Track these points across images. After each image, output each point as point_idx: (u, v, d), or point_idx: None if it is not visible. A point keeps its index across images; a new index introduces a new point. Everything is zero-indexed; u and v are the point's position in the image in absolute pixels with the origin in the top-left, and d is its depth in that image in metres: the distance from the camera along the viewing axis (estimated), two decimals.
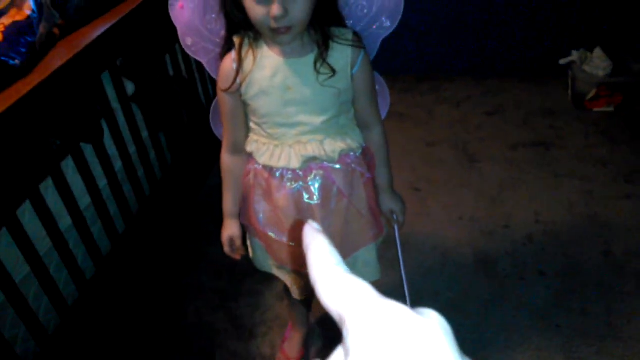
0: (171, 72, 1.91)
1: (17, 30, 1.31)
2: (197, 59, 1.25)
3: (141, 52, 1.64)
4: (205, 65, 1.26)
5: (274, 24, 1.00)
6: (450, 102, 3.14)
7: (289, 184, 1.22)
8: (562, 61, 2.99)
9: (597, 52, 2.88)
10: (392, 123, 2.88)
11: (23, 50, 1.30)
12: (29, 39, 1.32)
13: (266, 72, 1.11)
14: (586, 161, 2.58)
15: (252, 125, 1.23)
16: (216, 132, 1.36)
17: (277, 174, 1.21)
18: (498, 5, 3.07)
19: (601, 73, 2.83)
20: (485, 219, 2.29)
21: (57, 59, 1.32)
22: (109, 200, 1.60)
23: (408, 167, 2.58)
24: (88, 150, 1.49)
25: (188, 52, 1.24)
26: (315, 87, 1.12)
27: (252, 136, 1.23)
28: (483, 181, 2.51)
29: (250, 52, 1.12)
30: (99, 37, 1.40)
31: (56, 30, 1.37)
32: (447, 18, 3.18)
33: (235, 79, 1.13)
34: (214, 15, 1.14)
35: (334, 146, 1.19)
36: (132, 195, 1.71)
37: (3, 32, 1.29)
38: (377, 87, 1.33)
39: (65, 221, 1.46)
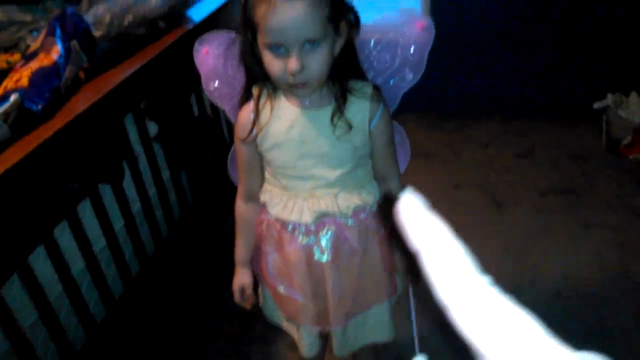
0: (196, 112, 1.91)
1: (43, 75, 1.31)
2: (219, 105, 1.25)
3: (166, 94, 1.64)
4: (227, 112, 1.25)
5: (291, 79, 0.97)
6: (478, 142, 3.07)
7: (300, 237, 1.18)
8: (597, 105, 2.90)
9: (633, 96, 2.80)
10: (417, 162, 2.82)
11: (47, 95, 1.30)
12: (54, 83, 1.32)
13: (283, 124, 1.09)
14: (619, 210, 2.47)
15: (266, 174, 1.20)
16: (232, 178, 1.34)
17: (289, 227, 1.18)
18: (529, 44, 3.01)
19: (637, 119, 2.73)
20: (511, 273, 2.19)
21: (81, 102, 1.32)
22: (124, 243, 1.58)
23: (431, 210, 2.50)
24: (106, 192, 1.48)
25: (210, 97, 1.24)
26: (331, 140, 1.09)
27: (267, 186, 1.21)
28: (510, 229, 2.42)
29: (268, 103, 1.10)
30: (124, 81, 1.40)
31: (82, 74, 1.37)
32: (475, 56, 3.13)
33: (251, 130, 1.11)
34: (236, 63, 1.12)
35: (348, 201, 1.15)
36: (149, 237, 1.69)
37: (29, 77, 1.29)
38: (396, 138, 1.30)
39: (78, 265, 1.44)
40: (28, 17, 1.63)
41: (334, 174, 1.12)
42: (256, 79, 1.10)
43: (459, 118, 3.29)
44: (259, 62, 1.02)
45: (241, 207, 1.27)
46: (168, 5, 1.63)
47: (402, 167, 1.36)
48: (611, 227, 2.37)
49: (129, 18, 1.55)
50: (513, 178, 2.76)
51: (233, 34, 1.10)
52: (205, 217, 2.04)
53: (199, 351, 1.96)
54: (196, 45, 1.20)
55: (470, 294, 0.21)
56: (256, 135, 1.12)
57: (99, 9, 1.56)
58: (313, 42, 0.94)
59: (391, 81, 1.25)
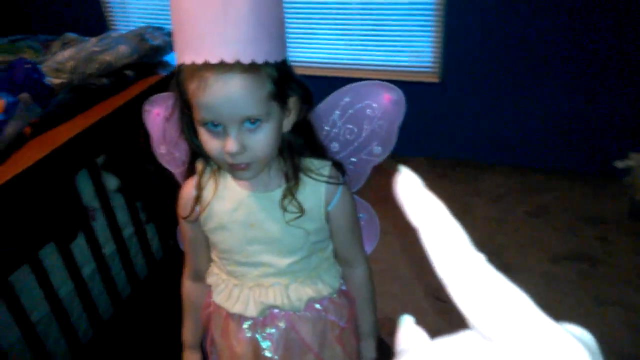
0: None
1: None
2: (169, 169, 1.14)
3: (129, 146, 1.53)
4: (177, 177, 1.14)
5: (230, 160, 0.84)
6: (489, 195, 2.88)
7: (246, 330, 1.05)
8: (619, 164, 2.68)
9: None
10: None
11: None
12: None
13: (227, 204, 0.97)
14: (638, 287, 2.24)
15: (213, 256, 1.08)
16: (182, 247, 1.22)
17: (235, 316, 1.05)
18: (550, 93, 2.82)
19: None
20: None
21: (22, 161, 1.21)
22: (72, 304, 1.46)
23: (432, 272, 2.32)
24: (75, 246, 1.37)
25: (160, 161, 1.15)
26: (281, 225, 0.96)
27: (213, 267, 1.10)
28: None
29: (212, 179, 0.97)
30: (74, 138, 1.30)
31: (28, 130, 1.27)
32: (493, 101, 2.95)
33: (193, 208, 0.99)
34: None
35: (300, 293, 1.03)
36: (106, 301, 1.56)
37: None
38: (363, 216, 1.16)
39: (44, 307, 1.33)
40: None
41: (284, 261, 1.00)
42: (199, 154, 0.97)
43: (471, 167, 3.10)
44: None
45: (188, 286, 1.16)
46: (138, 54, 1.53)
47: (369, 249, 1.22)
48: (627, 305, 2.14)
49: (94, 66, 1.45)
50: (523, 239, 2.54)
51: None
52: (176, 274, 1.90)
53: None
54: (146, 106, 1.10)
55: (467, 269, 0.22)
56: (199, 214, 1.00)
57: (64, 54, 1.47)
58: (254, 121, 0.82)
59: (358, 154, 1.12)
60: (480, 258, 0.22)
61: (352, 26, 3.03)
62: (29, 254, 1.26)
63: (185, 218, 1.02)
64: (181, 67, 0.80)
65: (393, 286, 2.26)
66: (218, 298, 1.06)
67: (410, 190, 0.23)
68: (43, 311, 1.33)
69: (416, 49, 2.97)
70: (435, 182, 3.01)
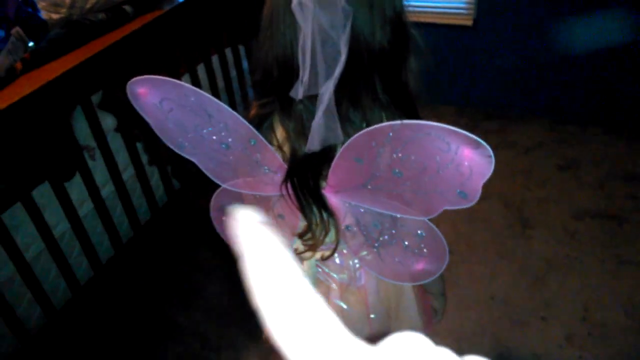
0: None
1: None
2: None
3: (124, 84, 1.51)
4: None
5: None
6: (518, 147, 2.75)
7: None
8: None
9: None
10: None
11: None
12: None
13: None
14: None
15: None
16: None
17: None
18: (587, 44, 2.61)
19: None
20: (521, 304, 1.94)
21: (10, 96, 1.21)
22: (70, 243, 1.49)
23: (448, 221, 2.26)
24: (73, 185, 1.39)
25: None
26: None
27: None
28: (530, 254, 2.14)
29: None
30: (66, 73, 1.28)
31: (19, 65, 1.26)
32: (525, 49, 2.77)
33: None
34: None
35: None
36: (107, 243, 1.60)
37: None
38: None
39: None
40: None
41: None
42: None
43: (502, 117, 2.96)
44: None
45: None
46: None
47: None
48: None
49: (92, 1, 1.42)
50: (548, 193, 2.43)
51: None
52: (180, 220, 1.92)
53: (162, 350, 1.88)
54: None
55: (287, 299, 0.20)
56: None
57: None
58: None
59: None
60: (304, 285, 0.20)
61: None
62: (21, 192, 1.29)
63: None
64: None
65: None
66: None
67: (247, 225, 0.21)
68: (40, 246, 1.37)
69: None
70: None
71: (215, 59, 2.04)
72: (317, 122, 0.72)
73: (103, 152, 1.46)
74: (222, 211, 1.01)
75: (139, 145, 1.62)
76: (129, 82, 0.77)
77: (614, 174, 2.49)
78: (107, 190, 1.57)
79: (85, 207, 1.52)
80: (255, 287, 0.21)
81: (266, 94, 0.83)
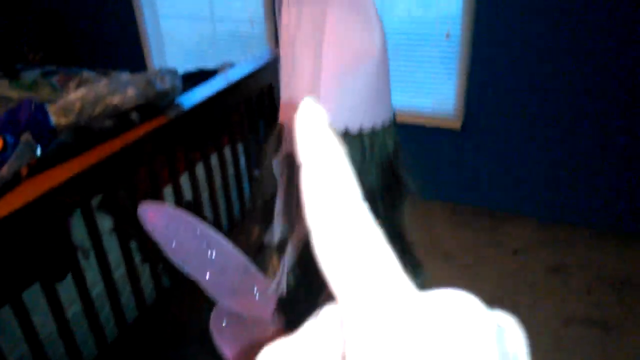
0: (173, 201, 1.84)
1: None
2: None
3: (127, 187, 1.58)
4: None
5: None
6: (507, 247, 2.79)
7: None
8: None
9: None
10: (434, 263, 2.60)
11: None
12: None
13: None
14: None
15: None
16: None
17: None
18: (575, 147, 2.74)
19: None
20: None
21: (12, 202, 1.26)
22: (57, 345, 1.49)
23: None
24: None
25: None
26: None
27: None
28: None
29: None
30: (70, 179, 1.34)
31: (24, 170, 1.33)
32: (514, 151, 2.89)
33: None
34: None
35: None
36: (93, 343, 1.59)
37: None
38: None
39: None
40: (14, 94, 1.65)
41: None
42: None
43: (492, 216, 3.02)
44: None
45: None
46: (145, 98, 1.59)
47: None
48: None
49: (101, 108, 1.52)
50: (537, 297, 2.45)
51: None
52: (168, 320, 1.91)
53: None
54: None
55: (341, 219, 0.18)
56: None
57: (73, 95, 1.54)
58: None
59: None
60: (362, 208, 0.19)
61: None
62: (12, 295, 1.30)
63: None
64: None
65: None
66: None
67: (312, 125, 0.20)
68: (23, 348, 1.36)
69: (440, 95, 2.96)
70: (454, 230, 2.95)
71: (214, 157, 2.12)
72: (281, 273, 0.77)
73: (97, 253, 1.50)
74: (221, 327, 1.01)
75: (133, 245, 1.66)
76: (140, 207, 0.84)
77: (601, 279, 2.52)
78: (97, 289, 1.58)
79: (73, 307, 1.53)
80: (309, 201, 0.19)
81: (265, 221, 0.87)
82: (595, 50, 2.47)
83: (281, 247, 0.80)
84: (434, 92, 2.97)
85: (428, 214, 3.04)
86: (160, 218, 0.87)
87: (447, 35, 2.78)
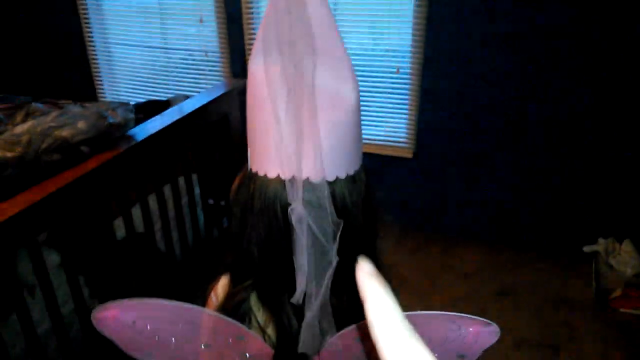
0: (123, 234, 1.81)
1: None
2: None
3: (76, 222, 1.55)
4: None
5: None
6: (458, 272, 2.86)
7: None
8: (587, 249, 2.69)
9: (627, 245, 2.57)
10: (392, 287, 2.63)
11: None
12: None
13: None
14: None
15: None
16: None
17: None
18: (520, 174, 2.86)
19: (629, 271, 2.49)
20: None
21: None
22: None
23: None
24: None
25: None
26: None
27: None
28: None
29: None
30: (14, 217, 1.30)
31: None
32: (463, 178, 2.99)
33: None
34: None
35: None
36: None
37: None
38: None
39: None
40: None
41: None
42: None
43: (443, 241, 3.10)
44: None
45: None
46: (96, 130, 1.57)
47: None
48: None
49: (49, 141, 1.49)
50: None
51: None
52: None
53: None
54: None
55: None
56: None
57: (22, 127, 1.50)
58: None
59: None
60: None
61: None
62: None
63: None
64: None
65: None
66: None
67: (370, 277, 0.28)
68: None
69: (393, 125, 3.04)
70: (405, 256, 3.01)
71: (167, 188, 2.10)
72: (307, 326, 0.74)
73: (44, 290, 1.45)
74: None
75: (80, 279, 1.61)
76: (94, 311, 0.71)
77: (548, 301, 2.62)
78: (43, 327, 1.53)
79: (17, 347, 1.47)
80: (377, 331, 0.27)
81: (243, 277, 0.84)
82: (543, 77, 2.62)
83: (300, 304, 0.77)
84: (387, 122, 3.05)
85: (384, 239, 3.09)
86: (124, 316, 0.76)
87: (398, 70, 2.88)
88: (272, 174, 0.73)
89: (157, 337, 0.77)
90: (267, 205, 0.76)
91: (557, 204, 2.85)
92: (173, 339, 0.78)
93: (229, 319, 0.76)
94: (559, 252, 2.91)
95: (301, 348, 0.74)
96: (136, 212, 1.92)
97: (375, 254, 0.85)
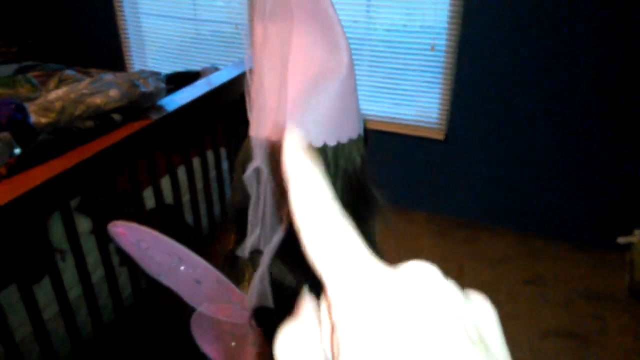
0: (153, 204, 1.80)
1: None
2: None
3: (107, 189, 1.53)
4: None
5: None
6: (485, 259, 2.81)
7: None
8: (621, 240, 2.60)
9: None
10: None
11: None
12: None
13: None
14: None
15: None
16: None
17: None
18: (554, 161, 2.77)
19: None
20: None
21: None
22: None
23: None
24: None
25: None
26: None
27: None
28: None
29: None
30: (48, 181, 1.29)
31: (2, 170, 1.28)
32: (495, 162, 2.91)
33: None
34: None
35: None
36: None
37: None
38: None
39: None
40: None
41: None
42: None
43: (471, 227, 3.04)
44: None
45: None
46: (128, 99, 1.55)
47: None
48: None
49: (82, 108, 1.47)
50: (515, 310, 2.46)
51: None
52: (146, 322, 1.87)
53: None
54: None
55: (322, 221, 0.23)
56: None
57: (56, 93, 1.49)
58: None
59: None
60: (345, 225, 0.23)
61: (363, 79, 3.03)
62: None
63: None
64: None
65: None
66: None
67: (295, 152, 0.24)
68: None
69: (424, 105, 2.97)
70: (432, 239, 2.96)
71: (195, 161, 2.08)
72: (254, 284, 0.76)
73: (75, 255, 1.45)
74: (202, 330, 1.04)
75: (111, 246, 1.61)
76: (109, 225, 0.86)
77: (578, 292, 2.55)
78: (74, 292, 1.53)
79: (50, 310, 1.48)
80: (297, 210, 0.23)
81: (239, 232, 0.86)
82: (582, 60, 2.51)
83: (253, 259, 0.81)
84: (418, 102, 2.98)
85: (409, 223, 3.05)
86: (130, 235, 0.89)
87: (433, 48, 2.79)
88: (251, 134, 0.74)
89: (157, 261, 0.85)
90: (242, 164, 0.78)
91: (592, 194, 2.76)
92: (167, 266, 0.85)
93: (211, 266, 0.83)
94: (592, 242, 2.83)
95: (256, 302, 0.76)
96: (166, 184, 1.91)
97: (368, 233, 0.83)
